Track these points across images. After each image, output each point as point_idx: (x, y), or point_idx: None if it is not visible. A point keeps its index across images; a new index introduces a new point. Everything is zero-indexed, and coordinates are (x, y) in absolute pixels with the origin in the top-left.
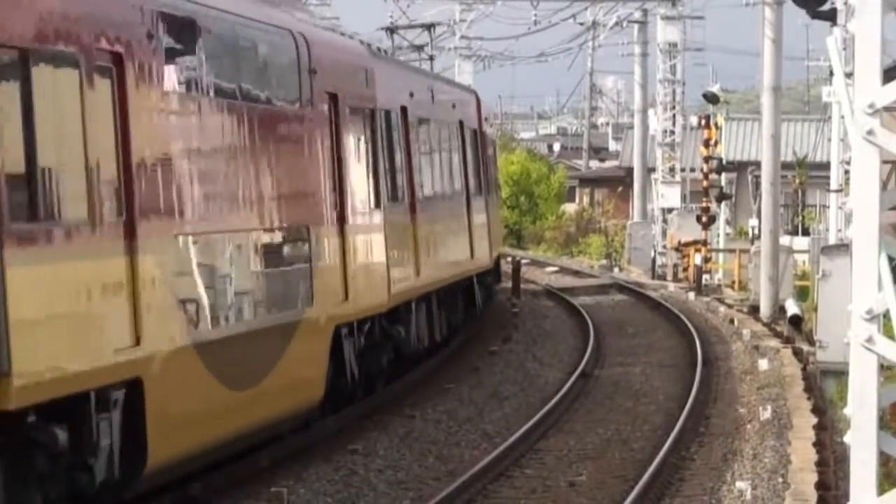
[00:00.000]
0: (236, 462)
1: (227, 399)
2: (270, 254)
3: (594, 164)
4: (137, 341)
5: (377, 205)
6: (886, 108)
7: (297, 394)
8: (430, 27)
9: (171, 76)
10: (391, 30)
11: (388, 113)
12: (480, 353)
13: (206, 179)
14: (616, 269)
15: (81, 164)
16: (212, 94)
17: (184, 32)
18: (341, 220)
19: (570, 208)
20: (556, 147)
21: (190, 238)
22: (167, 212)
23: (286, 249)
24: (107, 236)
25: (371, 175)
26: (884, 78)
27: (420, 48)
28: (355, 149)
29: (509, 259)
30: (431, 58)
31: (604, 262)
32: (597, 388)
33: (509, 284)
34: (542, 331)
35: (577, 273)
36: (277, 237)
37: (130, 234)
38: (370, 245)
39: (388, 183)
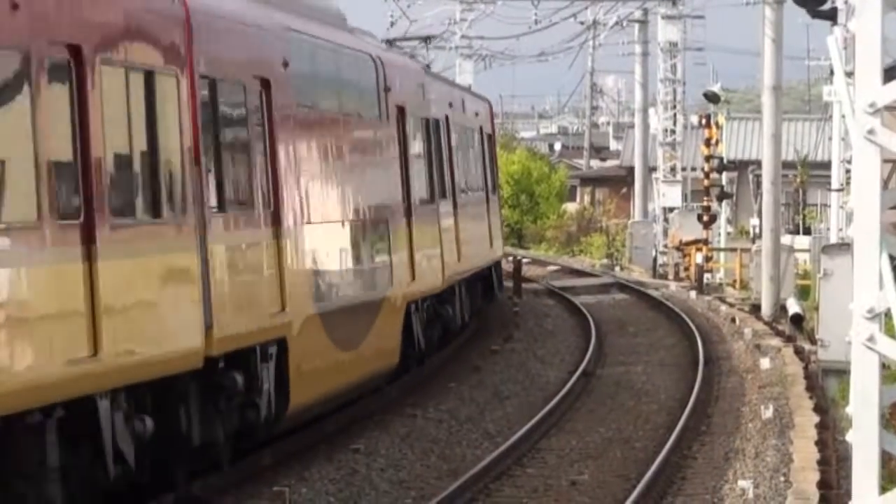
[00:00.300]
0: (238, 461)
1: (338, 358)
2: (365, 241)
3: (595, 163)
4: (283, 308)
5: (432, 200)
6: (887, 108)
7: (382, 358)
8: (426, 39)
9: (298, 95)
10: (390, 42)
11: (437, 121)
12: (482, 353)
13: (321, 178)
14: (617, 269)
15: (248, 166)
16: (323, 109)
17: (306, 60)
18: (408, 213)
19: (571, 208)
20: (557, 146)
21: (314, 226)
22: (298, 204)
23: (375, 237)
24: (264, 224)
25: (427, 174)
26: (884, 77)
27: (412, 56)
28: (417, 152)
29: (510, 258)
30: (428, 66)
31: (605, 261)
32: (598, 388)
33: (508, 283)
34: (544, 330)
35: (578, 272)
36: (370, 227)
37: (277, 222)
38: (428, 235)
39: (438, 181)
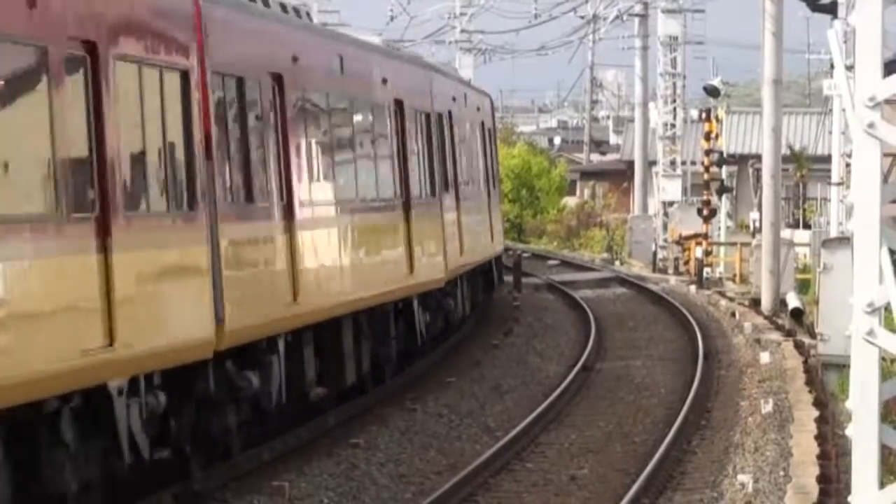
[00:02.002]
0: (238, 456)
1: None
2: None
3: (595, 157)
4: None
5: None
6: (887, 101)
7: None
8: None
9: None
10: None
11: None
12: (482, 347)
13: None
14: (617, 263)
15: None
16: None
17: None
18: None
19: (571, 202)
20: (557, 141)
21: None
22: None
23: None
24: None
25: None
26: (884, 71)
27: None
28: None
29: (510, 252)
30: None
31: (605, 255)
32: (598, 382)
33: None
34: (544, 324)
35: (578, 267)
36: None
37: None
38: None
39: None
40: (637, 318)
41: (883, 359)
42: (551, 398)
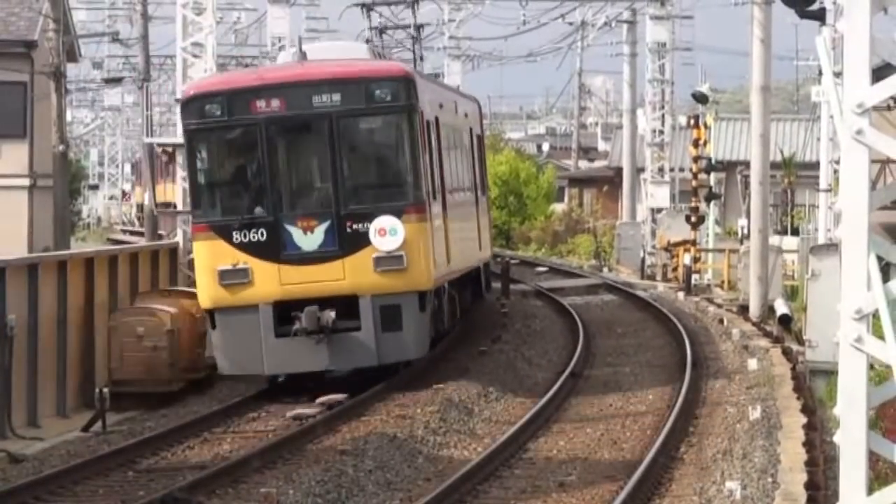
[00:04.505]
0: (227, 462)
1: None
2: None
3: (583, 164)
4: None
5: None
6: (875, 108)
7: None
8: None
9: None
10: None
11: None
12: (470, 354)
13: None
14: (605, 269)
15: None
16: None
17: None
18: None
19: (559, 208)
20: (545, 147)
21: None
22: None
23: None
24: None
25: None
26: (873, 77)
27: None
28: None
29: (498, 259)
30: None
31: (593, 261)
32: (586, 389)
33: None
34: (532, 331)
35: (566, 273)
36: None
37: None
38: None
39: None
40: (625, 324)
41: (872, 367)
42: (539, 405)
